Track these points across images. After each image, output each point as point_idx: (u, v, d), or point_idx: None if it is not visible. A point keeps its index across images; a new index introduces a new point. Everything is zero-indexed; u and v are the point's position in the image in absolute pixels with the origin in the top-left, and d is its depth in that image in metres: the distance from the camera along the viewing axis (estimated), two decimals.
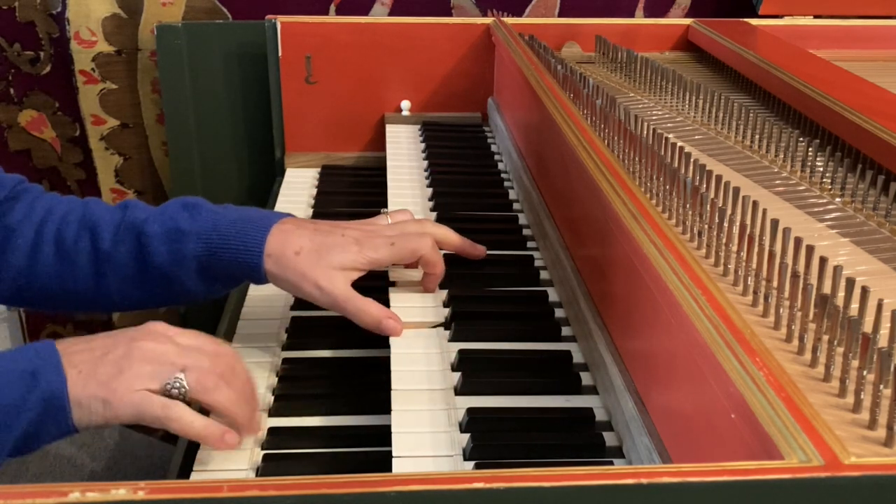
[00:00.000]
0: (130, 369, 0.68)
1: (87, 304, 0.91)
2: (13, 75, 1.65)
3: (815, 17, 1.54)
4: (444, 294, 0.92)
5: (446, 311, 0.89)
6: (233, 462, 0.74)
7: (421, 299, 0.92)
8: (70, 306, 0.92)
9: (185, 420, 0.68)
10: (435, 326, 0.88)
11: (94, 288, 0.88)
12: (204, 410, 0.72)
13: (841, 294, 0.58)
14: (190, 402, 0.70)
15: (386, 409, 0.76)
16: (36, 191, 0.92)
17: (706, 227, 0.70)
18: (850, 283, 0.58)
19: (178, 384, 0.69)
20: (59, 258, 0.87)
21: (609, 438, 0.72)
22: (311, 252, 0.84)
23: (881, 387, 0.50)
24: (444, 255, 0.98)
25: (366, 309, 0.85)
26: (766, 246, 0.64)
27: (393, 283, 0.95)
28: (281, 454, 0.75)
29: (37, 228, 0.88)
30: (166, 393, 0.69)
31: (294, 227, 0.86)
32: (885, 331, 0.55)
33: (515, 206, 1.15)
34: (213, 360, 0.71)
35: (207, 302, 0.93)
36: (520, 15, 1.67)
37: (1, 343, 1.79)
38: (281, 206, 1.28)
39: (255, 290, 1.01)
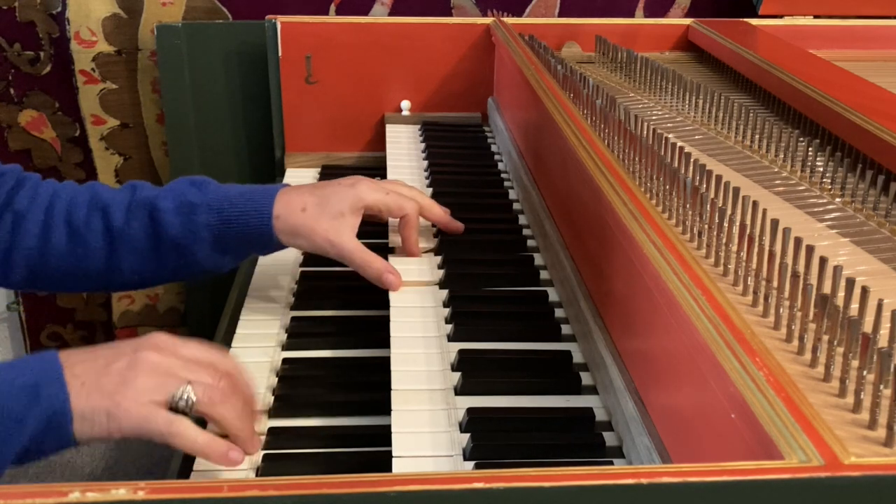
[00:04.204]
0: (135, 381, 0.67)
1: (99, 283, 0.93)
2: (13, 75, 1.65)
3: (815, 17, 1.54)
4: (444, 294, 0.92)
5: (446, 310, 0.89)
6: None
7: (421, 299, 0.92)
8: (82, 285, 0.94)
9: (190, 436, 0.68)
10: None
11: (107, 266, 0.91)
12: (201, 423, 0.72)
13: (841, 294, 0.58)
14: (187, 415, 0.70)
15: (386, 409, 0.76)
16: (35, 177, 0.95)
17: (706, 227, 0.70)
18: (850, 283, 0.58)
19: (185, 397, 0.68)
20: (70, 239, 0.90)
21: (609, 438, 0.72)
22: (315, 206, 0.91)
23: (881, 387, 0.50)
24: (446, 255, 0.99)
25: (370, 262, 0.92)
26: (766, 246, 0.64)
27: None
28: (281, 454, 0.75)
29: (46, 211, 0.91)
30: (173, 406, 0.68)
31: (295, 190, 0.94)
32: (885, 331, 0.55)
33: (515, 206, 1.15)
34: (218, 374, 0.71)
35: (208, 301, 0.94)
36: (520, 15, 1.67)
37: (1, 343, 1.79)
38: None
39: (254, 291, 1.02)
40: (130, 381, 0.67)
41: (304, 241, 0.92)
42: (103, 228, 0.90)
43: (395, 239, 1.01)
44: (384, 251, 0.99)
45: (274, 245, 0.92)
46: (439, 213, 1.02)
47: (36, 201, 0.91)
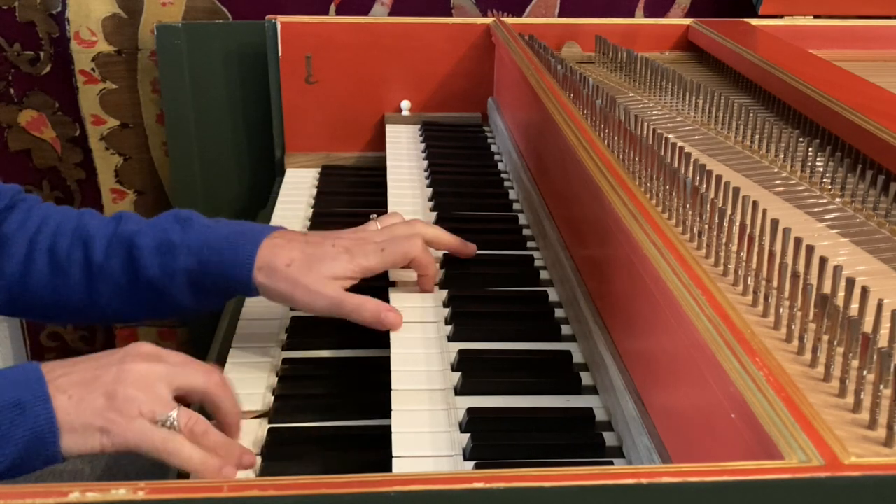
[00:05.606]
0: (125, 393, 0.66)
1: (79, 316, 0.90)
2: (13, 75, 1.64)
3: (815, 17, 1.54)
4: (444, 294, 0.92)
5: (446, 310, 0.89)
6: None
7: (421, 299, 0.92)
8: (62, 317, 0.91)
9: (185, 455, 0.67)
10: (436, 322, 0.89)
11: (87, 300, 0.87)
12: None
13: (841, 294, 0.58)
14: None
15: (386, 409, 0.76)
16: (32, 200, 0.92)
17: (706, 227, 0.70)
18: (850, 283, 0.58)
19: (168, 423, 0.67)
20: (52, 269, 0.87)
21: (609, 438, 0.72)
22: (301, 263, 0.84)
23: (881, 387, 0.50)
24: (446, 255, 0.98)
25: (363, 305, 0.84)
26: (766, 246, 0.64)
27: (393, 283, 0.95)
28: (281, 454, 0.75)
29: (31, 238, 0.87)
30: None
31: (284, 241, 0.86)
32: (885, 331, 0.55)
33: (515, 206, 1.15)
34: (207, 370, 0.71)
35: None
36: (520, 15, 1.67)
37: (1, 343, 1.79)
38: (281, 206, 1.28)
39: None
40: (119, 394, 0.66)
41: (284, 297, 0.85)
42: (83, 261, 0.86)
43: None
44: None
45: (255, 294, 0.86)
46: (447, 239, 0.95)
47: (25, 226, 0.88)
